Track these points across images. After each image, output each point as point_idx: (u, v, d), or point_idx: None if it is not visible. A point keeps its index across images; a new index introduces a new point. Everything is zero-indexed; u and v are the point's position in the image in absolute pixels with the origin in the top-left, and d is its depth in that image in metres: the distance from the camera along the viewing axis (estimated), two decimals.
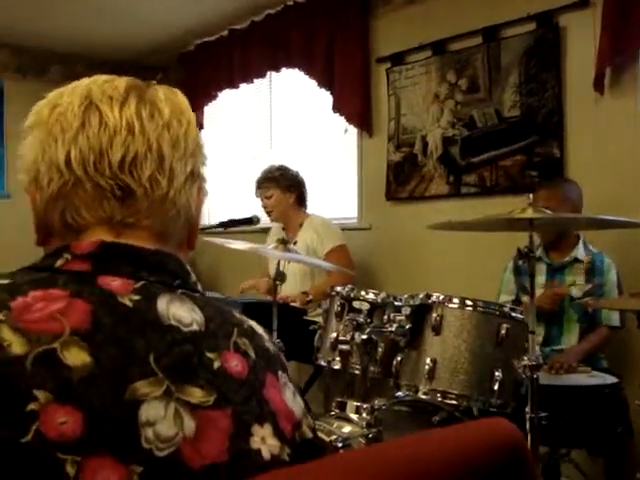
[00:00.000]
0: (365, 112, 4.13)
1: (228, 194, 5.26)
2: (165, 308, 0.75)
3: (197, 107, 5.22)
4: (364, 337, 2.13)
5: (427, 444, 0.67)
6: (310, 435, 0.81)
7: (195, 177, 0.87)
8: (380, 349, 2.26)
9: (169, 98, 0.87)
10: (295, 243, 3.71)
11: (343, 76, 4.16)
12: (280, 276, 2.70)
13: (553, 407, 2.13)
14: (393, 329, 2.21)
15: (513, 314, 2.17)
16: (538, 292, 2.76)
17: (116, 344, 0.70)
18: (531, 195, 2.07)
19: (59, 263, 0.76)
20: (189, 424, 0.69)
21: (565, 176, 3.18)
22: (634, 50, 2.96)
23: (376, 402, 2.11)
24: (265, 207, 3.85)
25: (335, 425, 2.03)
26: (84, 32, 5.12)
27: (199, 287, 0.84)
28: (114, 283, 0.75)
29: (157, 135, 0.82)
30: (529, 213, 2.01)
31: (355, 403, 2.07)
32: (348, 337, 2.16)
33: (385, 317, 2.28)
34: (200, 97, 5.19)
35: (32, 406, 0.63)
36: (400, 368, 2.23)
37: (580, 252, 2.82)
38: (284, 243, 2.74)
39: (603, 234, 2.81)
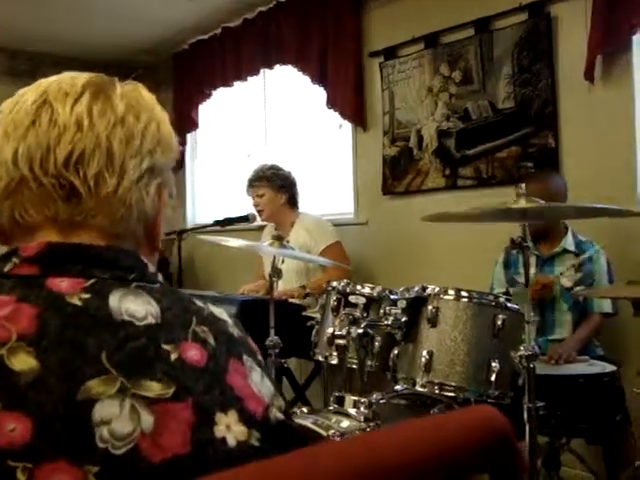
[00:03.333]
0: (359, 107, 4.12)
1: (223, 192, 5.27)
2: (117, 304, 0.74)
3: (192, 106, 5.24)
4: (360, 331, 2.13)
5: (406, 434, 0.67)
6: (281, 417, 0.80)
7: (155, 174, 0.83)
8: (377, 343, 2.26)
9: (127, 94, 0.84)
10: (287, 242, 3.70)
11: (336, 71, 4.15)
12: (276, 272, 2.69)
13: (552, 397, 2.13)
14: (389, 322, 2.21)
15: (509, 305, 2.17)
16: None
17: (64, 346, 0.69)
18: (523, 185, 2.06)
19: (7, 268, 0.75)
20: (147, 419, 0.68)
21: (551, 168, 3.18)
22: (625, 39, 2.95)
23: (374, 396, 2.11)
24: (256, 206, 3.84)
25: (333, 420, 2.04)
26: (77, 33, 5.11)
27: (159, 278, 0.82)
28: (62, 284, 0.73)
29: (108, 132, 0.80)
30: (522, 203, 2.01)
31: (353, 397, 2.08)
32: (344, 332, 2.15)
33: (381, 311, 2.28)
34: (195, 96, 5.20)
35: None
36: (397, 361, 2.23)
37: (569, 242, 2.84)
38: (279, 239, 2.74)
39: (595, 223, 2.81)
